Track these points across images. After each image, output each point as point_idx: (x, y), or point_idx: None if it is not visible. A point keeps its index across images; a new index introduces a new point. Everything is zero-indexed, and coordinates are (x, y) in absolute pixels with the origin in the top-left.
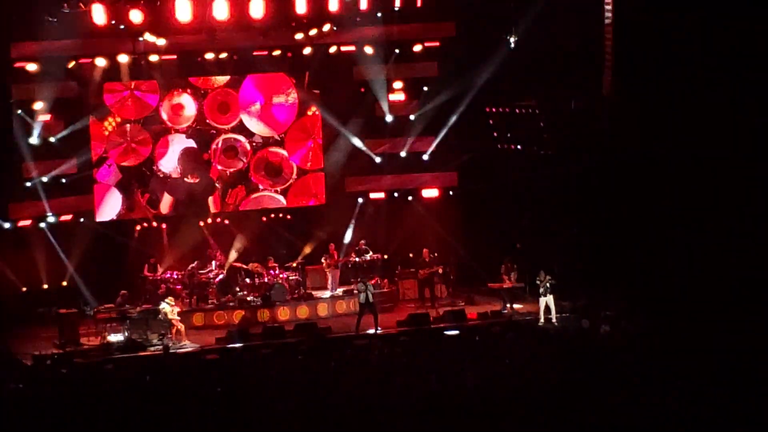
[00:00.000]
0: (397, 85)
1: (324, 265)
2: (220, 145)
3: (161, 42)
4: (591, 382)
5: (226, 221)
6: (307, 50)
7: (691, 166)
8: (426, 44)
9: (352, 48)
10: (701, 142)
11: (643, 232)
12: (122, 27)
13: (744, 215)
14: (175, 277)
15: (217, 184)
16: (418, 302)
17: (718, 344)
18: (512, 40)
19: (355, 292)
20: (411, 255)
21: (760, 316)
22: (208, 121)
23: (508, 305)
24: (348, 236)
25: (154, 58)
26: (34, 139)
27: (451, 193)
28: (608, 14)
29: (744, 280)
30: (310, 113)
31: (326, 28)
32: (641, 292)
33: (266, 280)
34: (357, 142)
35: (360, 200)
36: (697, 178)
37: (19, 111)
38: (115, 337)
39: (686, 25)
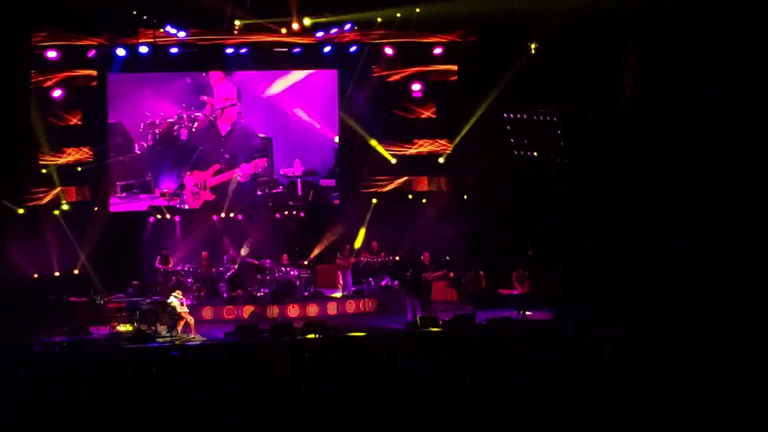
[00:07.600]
0: (416, 87)
1: (339, 264)
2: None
3: (182, 34)
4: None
5: (239, 216)
6: (327, 48)
7: (711, 177)
8: (447, 47)
9: (372, 48)
10: (720, 153)
11: (658, 242)
12: (144, 17)
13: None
14: (187, 269)
15: None
16: (427, 304)
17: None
18: (533, 46)
19: None
20: (422, 258)
21: None
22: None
23: (520, 312)
24: (361, 236)
25: (174, 49)
26: (51, 126)
27: (465, 197)
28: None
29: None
30: None
31: (347, 27)
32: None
33: (277, 276)
34: (374, 142)
35: (374, 201)
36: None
37: (37, 97)
38: (124, 327)
39: (707, 36)
